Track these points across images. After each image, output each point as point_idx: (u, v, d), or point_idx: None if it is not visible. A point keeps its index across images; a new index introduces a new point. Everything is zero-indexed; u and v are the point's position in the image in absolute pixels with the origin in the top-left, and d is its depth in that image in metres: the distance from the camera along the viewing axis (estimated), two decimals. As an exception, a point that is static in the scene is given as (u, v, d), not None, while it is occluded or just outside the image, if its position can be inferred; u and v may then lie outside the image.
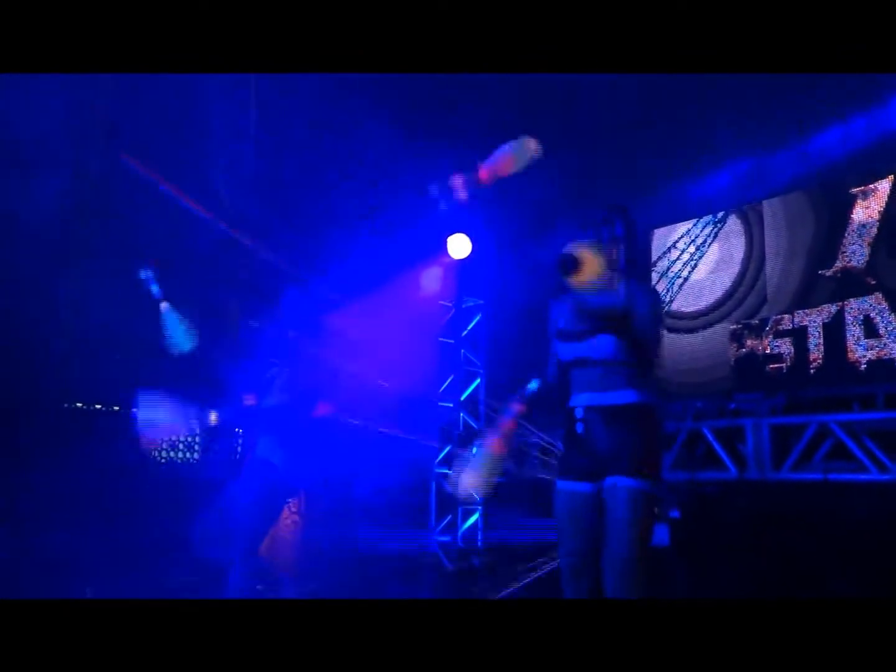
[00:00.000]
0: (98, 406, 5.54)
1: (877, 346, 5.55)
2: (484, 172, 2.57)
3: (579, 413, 2.42)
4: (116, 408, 5.60)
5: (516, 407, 2.44)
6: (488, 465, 2.33)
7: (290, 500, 3.49)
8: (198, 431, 7.58)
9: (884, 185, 5.64)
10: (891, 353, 5.42)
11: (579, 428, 2.41)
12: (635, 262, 2.58)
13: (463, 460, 2.37)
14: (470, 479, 2.30)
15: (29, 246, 4.47)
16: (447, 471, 6.77)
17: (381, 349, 5.81)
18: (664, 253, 7.18)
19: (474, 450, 2.51)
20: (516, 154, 2.58)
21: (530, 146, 2.59)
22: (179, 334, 3.56)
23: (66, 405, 5.26)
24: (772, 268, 6.41)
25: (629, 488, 2.28)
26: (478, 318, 7.27)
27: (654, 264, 7.06)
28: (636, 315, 2.35)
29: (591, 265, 2.11)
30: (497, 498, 6.47)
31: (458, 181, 2.59)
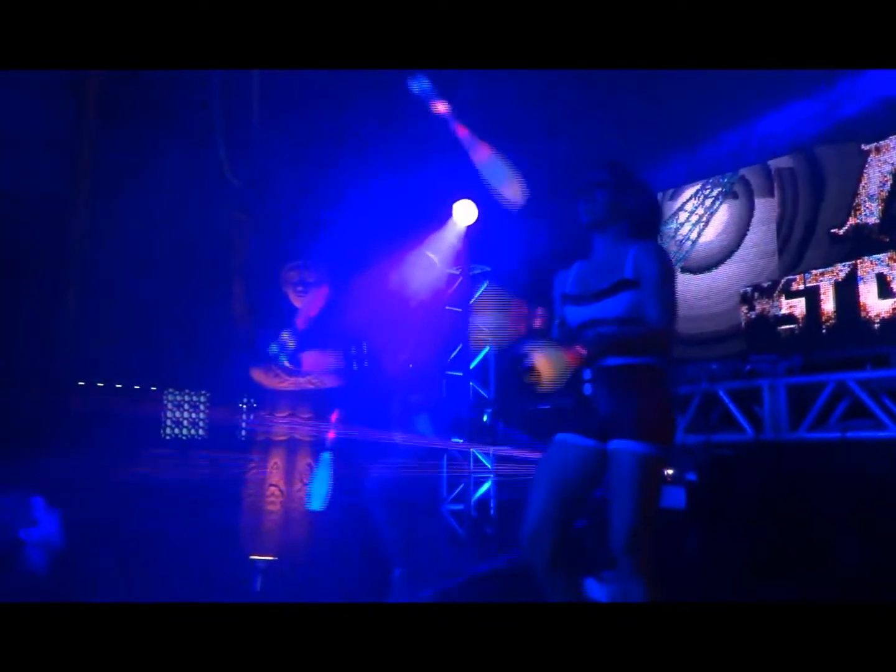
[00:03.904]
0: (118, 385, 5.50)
1: (891, 304, 5.52)
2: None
3: (587, 374, 2.32)
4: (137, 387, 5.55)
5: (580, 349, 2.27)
6: (559, 363, 2.14)
7: None
8: (202, 409, 7.55)
9: (898, 141, 5.59)
10: (906, 311, 5.39)
11: (587, 389, 2.33)
12: (641, 217, 2.44)
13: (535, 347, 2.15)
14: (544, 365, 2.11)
15: (43, 224, 4.38)
16: (458, 440, 6.73)
17: (390, 319, 5.74)
18: (672, 215, 7.11)
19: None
20: None
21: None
22: None
23: (81, 383, 5.20)
24: (782, 227, 6.36)
25: (634, 452, 2.19)
26: (485, 284, 7.18)
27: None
28: (645, 281, 2.28)
29: (546, 370, 2.08)
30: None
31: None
